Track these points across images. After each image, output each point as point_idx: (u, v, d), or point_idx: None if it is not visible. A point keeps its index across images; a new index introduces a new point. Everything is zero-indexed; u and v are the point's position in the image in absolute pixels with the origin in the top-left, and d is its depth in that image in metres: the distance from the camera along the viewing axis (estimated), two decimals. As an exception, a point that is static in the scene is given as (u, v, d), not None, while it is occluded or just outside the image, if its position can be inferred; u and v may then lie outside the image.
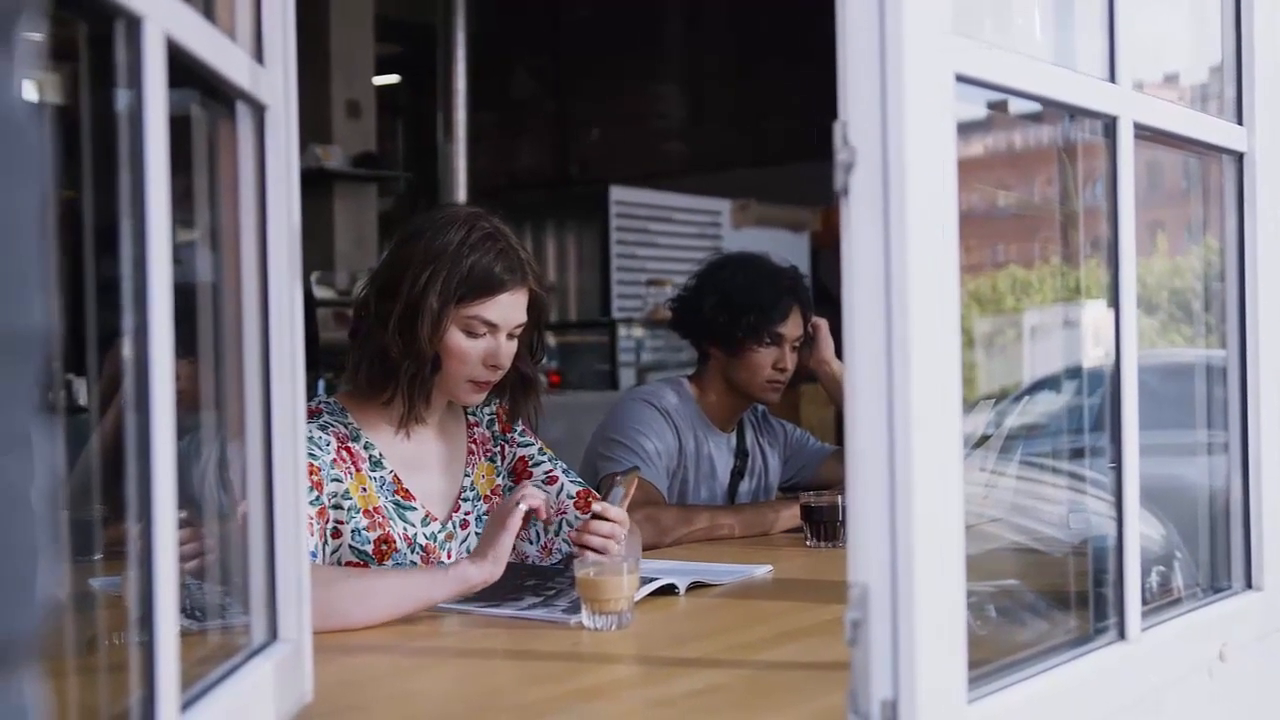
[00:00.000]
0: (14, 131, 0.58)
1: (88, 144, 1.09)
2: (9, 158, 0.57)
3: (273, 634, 1.38)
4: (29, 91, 0.60)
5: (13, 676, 0.57)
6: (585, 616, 1.89)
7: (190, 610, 1.38)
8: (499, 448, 2.43)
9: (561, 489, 2.38)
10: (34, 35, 0.62)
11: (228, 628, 1.45)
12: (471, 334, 2.21)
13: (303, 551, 1.42)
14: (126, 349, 1.01)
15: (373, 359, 2.22)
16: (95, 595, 1.62)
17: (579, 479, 2.43)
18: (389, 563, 2.19)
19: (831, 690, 1.50)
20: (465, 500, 2.35)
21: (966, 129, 1.29)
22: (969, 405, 1.31)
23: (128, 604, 1.46)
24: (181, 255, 1.14)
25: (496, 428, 2.43)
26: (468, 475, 2.37)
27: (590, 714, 1.53)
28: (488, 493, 2.39)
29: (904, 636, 1.16)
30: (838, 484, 2.99)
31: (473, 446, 2.40)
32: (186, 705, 1.11)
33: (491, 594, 2.06)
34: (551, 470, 2.41)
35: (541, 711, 1.53)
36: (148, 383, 1.01)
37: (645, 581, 2.06)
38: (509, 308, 2.23)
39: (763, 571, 2.38)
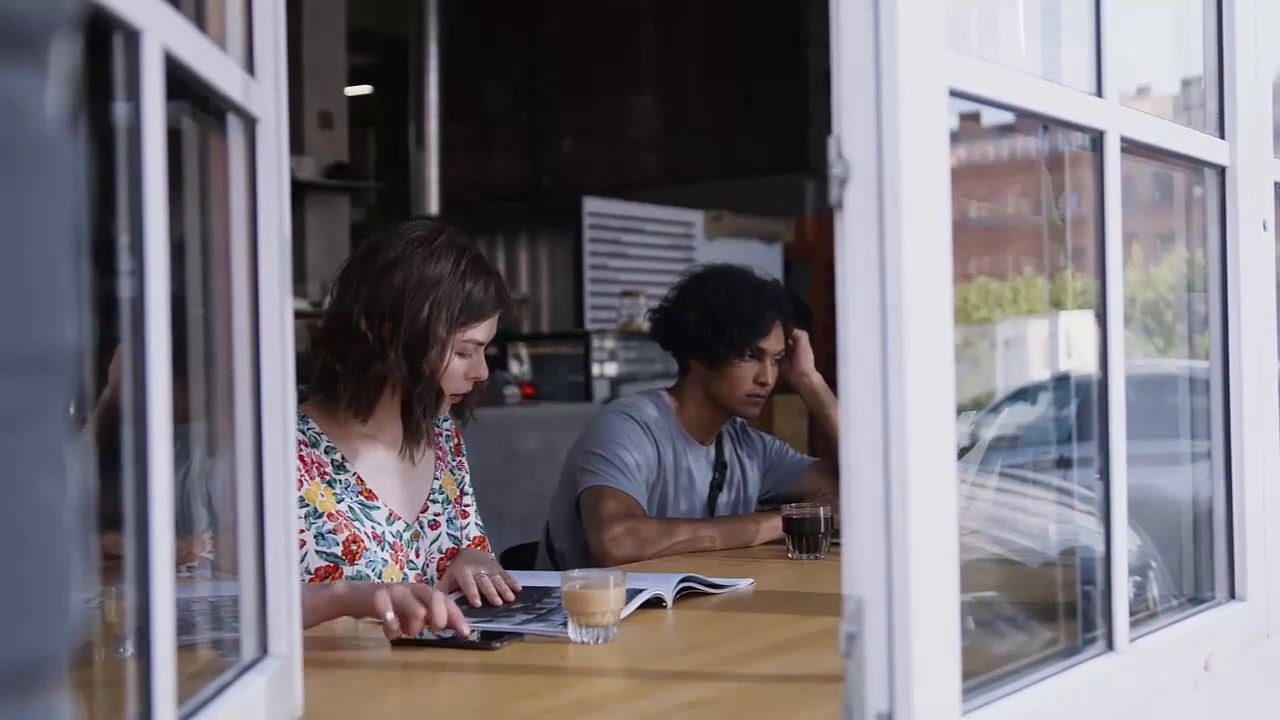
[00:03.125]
0: (50, 151, 0.58)
1: (82, 155, 1.09)
2: (45, 177, 0.57)
3: (263, 649, 1.38)
4: (61, 108, 0.60)
5: (46, 693, 0.57)
6: (571, 630, 1.88)
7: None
8: (456, 462, 2.53)
9: (467, 527, 2.49)
10: (67, 52, 0.62)
11: (217, 642, 1.44)
12: (462, 355, 2.31)
13: (293, 567, 1.41)
14: (125, 363, 1.00)
15: (373, 384, 2.27)
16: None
17: (481, 524, 2.54)
18: (361, 561, 2.24)
19: (823, 702, 1.50)
20: (435, 501, 2.42)
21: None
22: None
23: (109, 618, 1.45)
24: (172, 268, 1.13)
25: (452, 445, 2.53)
26: (436, 478, 2.44)
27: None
28: (455, 498, 2.48)
29: (899, 649, 1.17)
30: (817, 496, 2.99)
31: (439, 453, 2.48)
32: (181, 722, 1.10)
33: (484, 613, 2.05)
34: (469, 506, 2.53)
35: (531, 726, 1.52)
36: (145, 396, 1.00)
37: (632, 595, 2.06)
38: (493, 326, 2.35)
39: (745, 584, 2.38)
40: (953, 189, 1.24)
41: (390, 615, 1.81)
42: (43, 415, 0.57)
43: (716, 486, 3.16)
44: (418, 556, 2.36)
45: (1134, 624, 1.58)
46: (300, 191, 7.35)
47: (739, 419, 3.21)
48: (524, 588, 2.24)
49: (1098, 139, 1.53)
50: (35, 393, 0.57)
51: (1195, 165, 1.86)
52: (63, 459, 0.59)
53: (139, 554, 1.01)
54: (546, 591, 2.21)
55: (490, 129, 10.55)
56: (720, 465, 3.18)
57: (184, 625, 1.40)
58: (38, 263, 0.57)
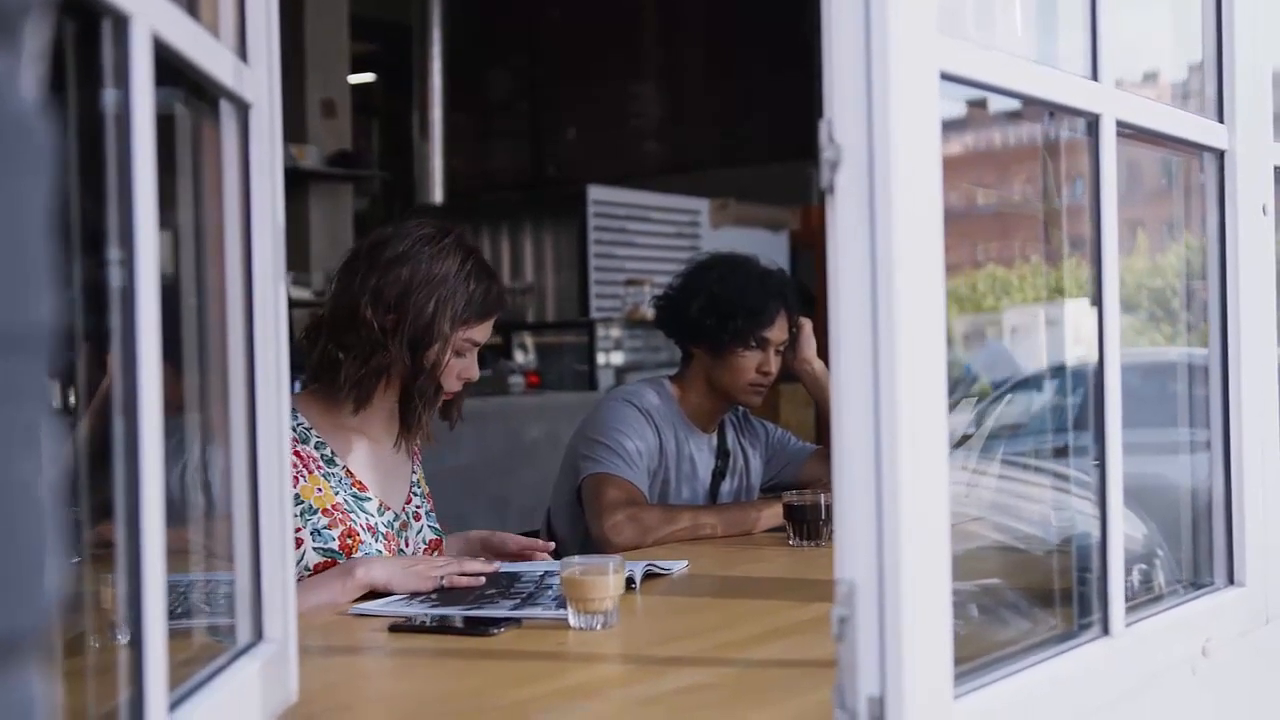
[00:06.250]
0: (23, 131, 0.58)
1: (70, 143, 1.09)
2: (19, 157, 0.58)
3: (258, 634, 1.38)
4: (35, 90, 0.61)
5: (21, 671, 0.58)
6: (570, 616, 1.89)
7: (173, 610, 1.37)
8: (421, 459, 2.56)
9: (421, 530, 2.48)
10: (40, 33, 0.62)
11: (212, 627, 1.44)
12: (458, 354, 2.34)
13: (288, 552, 1.42)
14: (114, 352, 1.01)
15: (373, 374, 2.30)
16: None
17: (438, 526, 2.53)
18: (357, 555, 2.27)
19: (818, 687, 1.50)
20: (415, 494, 2.48)
21: (946, 127, 1.30)
22: (951, 404, 1.32)
23: (105, 606, 1.46)
24: (166, 256, 1.13)
25: (419, 444, 2.55)
26: (415, 472, 2.50)
27: (577, 713, 1.53)
28: (428, 492, 2.53)
29: (891, 633, 1.17)
30: (819, 484, 2.99)
31: (416, 450, 2.52)
32: (173, 705, 1.10)
33: (466, 602, 2.05)
34: (429, 507, 2.54)
35: (527, 711, 1.53)
36: (135, 386, 1.00)
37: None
38: (490, 328, 2.40)
39: (679, 567, 2.39)
40: (960, 176, 1.24)
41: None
42: (18, 393, 0.58)
43: (719, 474, 3.16)
44: (406, 545, 2.40)
45: (1131, 609, 1.58)
46: (303, 180, 7.35)
47: (741, 407, 3.21)
48: (499, 573, 2.25)
49: (1093, 123, 1.53)
50: (10, 371, 0.57)
51: (1194, 150, 1.85)
52: (39, 437, 0.59)
53: (130, 539, 1.01)
54: (516, 576, 2.22)
55: (493, 118, 10.55)
56: (723, 453, 3.18)
57: (183, 611, 1.40)
58: (11, 243, 0.57)
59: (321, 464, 2.30)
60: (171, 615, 1.16)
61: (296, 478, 2.23)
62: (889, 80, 1.16)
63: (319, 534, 2.24)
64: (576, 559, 1.98)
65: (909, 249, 1.18)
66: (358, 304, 2.28)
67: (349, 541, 2.26)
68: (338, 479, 2.31)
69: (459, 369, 2.35)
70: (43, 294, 0.59)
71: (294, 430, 2.29)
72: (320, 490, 2.27)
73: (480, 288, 2.33)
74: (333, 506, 2.27)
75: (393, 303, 2.28)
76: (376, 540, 2.30)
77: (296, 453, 2.26)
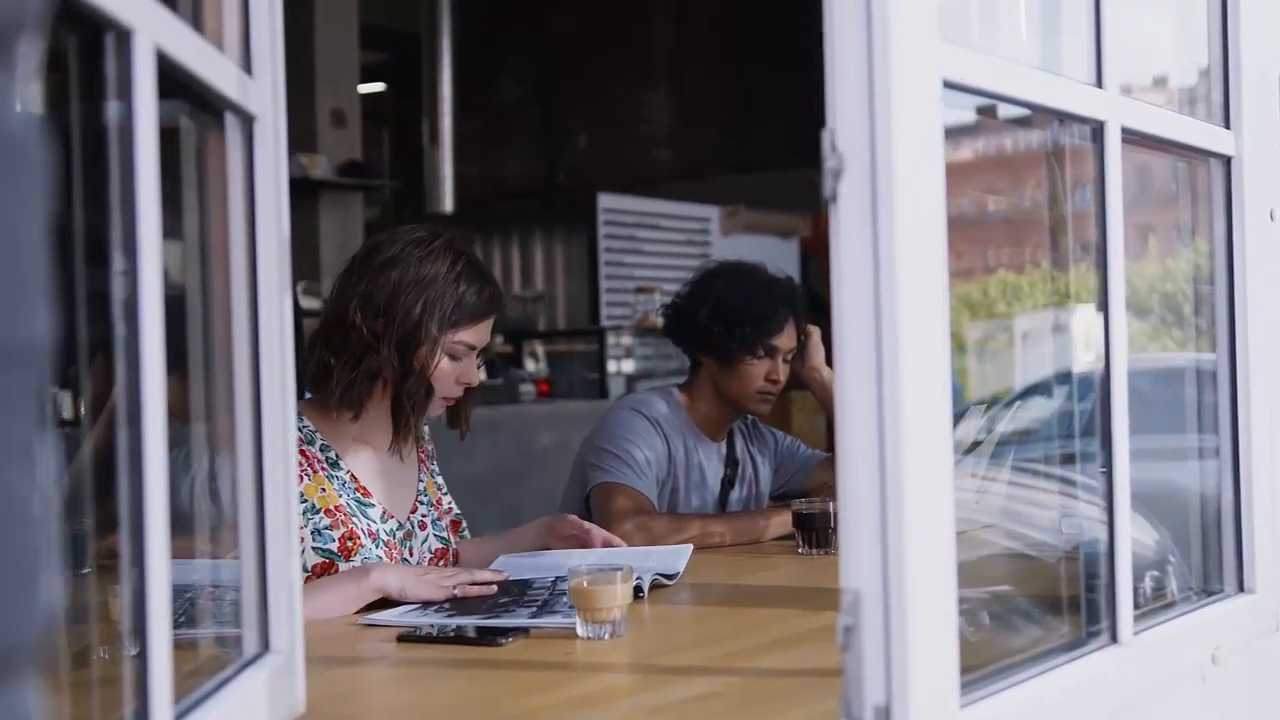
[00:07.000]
0: (17, 147, 0.58)
1: (75, 155, 1.09)
2: (13, 173, 0.58)
3: (265, 645, 1.38)
4: (30, 105, 0.61)
5: (15, 685, 0.58)
6: (579, 626, 1.88)
7: (179, 620, 1.37)
8: (434, 465, 2.57)
9: (426, 539, 2.47)
10: (35, 49, 0.62)
11: (219, 638, 1.44)
12: (453, 357, 2.34)
13: (294, 563, 1.42)
14: (118, 363, 1.01)
15: (364, 378, 2.30)
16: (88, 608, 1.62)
17: (446, 536, 2.52)
18: (356, 558, 2.27)
19: (825, 696, 1.50)
20: (422, 503, 2.47)
21: (955, 134, 1.30)
22: (960, 410, 1.31)
23: (114, 617, 1.46)
24: (169, 267, 1.13)
25: (432, 450, 2.57)
26: (420, 480, 2.49)
27: (584, 723, 1.53)
28: (436, 500, 2.51)
29: (896, 642, 1.17)
30: (828, 491, 2.99)
31: (423, 457, 2.52)
32: (179, 717, 1.10)
33: (481, 612, 2.05)
34: (449, 501, 2.56)
35: (535, 721, 1.53)
36: (139, 396, 1.01)
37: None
38: (487, 331, 2.38)
39: (685, 554, 2.41)
40: (971, 181, 1.24)
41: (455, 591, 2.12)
42: (13, 408, 0.58)
43: (729, 483, 3.16)
44: (411, 555, 2.40)
45: (1140, 617, 1.58)
46: (314, 190, 7.35)
47: (750, 415, 3.21)
48: (510, 581, 2.25)
49: (1098, 130, 1.53)
50: (5, 386, 0.58)
51: (1201, 155, 1.85)
52: (33, 451, 0.59)
53: (134, 551, 1.01)
54: (528, 584, 2.22)
55: (504, 125, 10.54)
56: (732, 461, 3.18)
57: (187, 619, 1.40)
58: (6, 258, 0.57)
59: (326, 466, 2.31)
60: (176, 624, 1.16)
61: (300, 476, 2.24)
62: (891, 88, 1.16)
63: (320, 534, 2.25)
64: (584, 567, 1.98)
65: (912, 257, 1.18)
66: (348, 308, 2.29)
67: (349, 544, 2.26)
68: (341, 482, 2.31)
69: (456, 373, 2.34)
70: (39, 309, 0.59)
71: (300, 432, 2.29)
72: (324, 490, 2.28)
73: (471, 289, 2.32)
74: (335, 508, 2.28)
75: (382, 306, 2.28)
76: (377, 546, 2.30)
77: (302, 452, 2.27)
